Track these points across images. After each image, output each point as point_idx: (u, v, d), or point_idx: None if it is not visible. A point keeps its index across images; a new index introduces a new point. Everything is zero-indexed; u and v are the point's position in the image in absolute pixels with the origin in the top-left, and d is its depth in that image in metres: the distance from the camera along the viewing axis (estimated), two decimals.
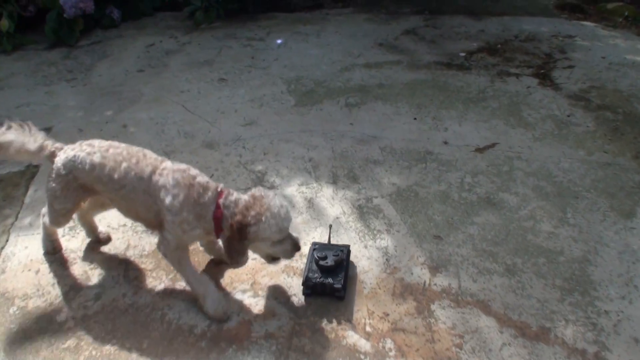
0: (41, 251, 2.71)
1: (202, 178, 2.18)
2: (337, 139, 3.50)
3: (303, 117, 3.75)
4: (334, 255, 2.33)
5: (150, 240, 2.76)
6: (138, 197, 2.22)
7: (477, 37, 4.95)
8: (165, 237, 2.21)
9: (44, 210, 2.55)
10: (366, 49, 4.78)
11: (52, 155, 2.40)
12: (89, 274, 2.60)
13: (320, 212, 2.87)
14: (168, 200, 2.11)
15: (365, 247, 2.64)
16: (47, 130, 3.78)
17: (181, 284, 2.48)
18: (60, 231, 2.84)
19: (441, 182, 3.07)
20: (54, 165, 2.35)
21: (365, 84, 4.17)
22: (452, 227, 2.74)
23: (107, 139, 3.41)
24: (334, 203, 2.93)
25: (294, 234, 2.19)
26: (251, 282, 2.48)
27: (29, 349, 2.23)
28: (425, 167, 3.20)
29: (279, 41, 5.18)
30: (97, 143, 2.36)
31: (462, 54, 4.62)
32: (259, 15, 5.68)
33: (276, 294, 2.41)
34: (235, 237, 2.03)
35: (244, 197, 2.11)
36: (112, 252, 2.72)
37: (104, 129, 3.76)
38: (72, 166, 2.31)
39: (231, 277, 2.52)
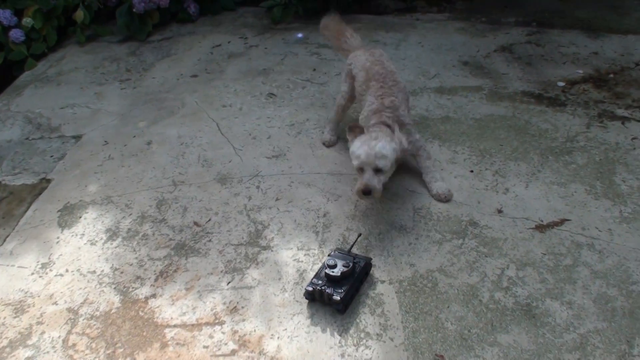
0: (5, 289, 2.49)
1: (387, 113, 2.72)
2: None
3: (338, 154, 3.18)
4: (343, 266, 2.20)
5: (108, 298, 2.39)
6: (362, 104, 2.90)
7: (587, 61, 4.01)
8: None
9: (329, 114, 3.34)
10: (446, 68, 4.05)
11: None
12: (34, 329, 2.30)
13: None
14: (360, 117, 2.90)
15: (342, 355, 2.07)
16: (77, 138, 3.58)
17: None
18: (28, 270, 2.58)
19: (474, 272, 2.38)
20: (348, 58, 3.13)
21: (429, 115, 3.49)
22: (464, 344, 2.08)
23: (126, 157, 3.15)
24: None
25: (372, 181, 2.40)
26: None
27: None
28: (462, 244, 2.52)
29: (299, 35, 4.82)
30: (377, 56, 2.96)
31: (561, 84, 3.74)
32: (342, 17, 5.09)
33: None
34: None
35: (375, 128, 2.54)
36: (67, 305, 2.39)
37: (129, 143, 3.47)
38: (353, 61, 3.03)
39: None
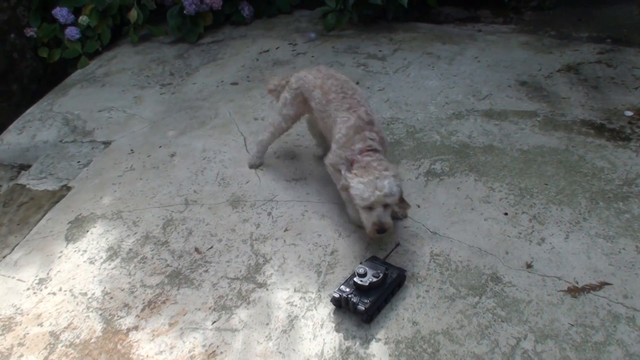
0: None
1: (370, 134, 2.43)
2: None
3: None
4: (373, 276, 2.14)
5: (92, 325, 2.28)
6: (329, 123, 2.60)
7: None
8: (333, 151, 2.54)
9: (262, 136, 3.05)
10: (500, 88, 3.68)
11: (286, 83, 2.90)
12: (14, 351, 2.24)
13: (292, 346, 2.12)
14: (337, 136, 2.48)
15: None
16: (106, 144, 3.53)
17: None
18: (25, 285, 2.52)
19: (484, 339, 2.07)
20: (290, 82, 2.84)
21: (471, 142, 3.16)
22: None
23: (147, 169, 3.06)
24: (318, 334, 2.15)
25: (386, 219, 2.26)
26: None
27: None
28: (477, 303, 2.22)
29: (312, 35, 4.83)
30: (325, 71, 2.73)
31: (629, 113, 3.29)
32: (398, 25, 4.81)
33: None
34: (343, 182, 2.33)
35: (366, 159, 2.32)
36: (51, 327, 2.30)
37: (153, 154, 3.38)
38: (301, 83, 2.75)
39: None
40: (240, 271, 2.48)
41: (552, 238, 2.49)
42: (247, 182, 3.03)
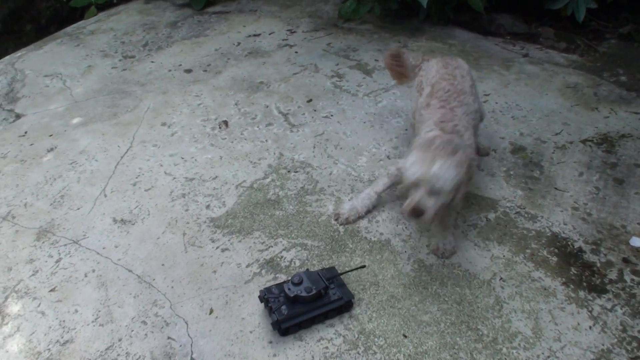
0: None
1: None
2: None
3: (200, 270, 2.24)
4: (305, 289, 1.85)
5: None
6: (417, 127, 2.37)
7: None
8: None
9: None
10: (502, 166, 2.67)
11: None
12: None
13: None
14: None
15: None
16: (17, 117, 3.24)
17: None
18: None
19: None
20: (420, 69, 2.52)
21: (366, 230, 2.30)
22: None
23: (16, 161, 2.68)
24: None
25: (424, 203, 1.84)
26: None
27: None
28: None
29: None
30: (451, 69, 2.37)
31: (637, 243, 2.17)
32: (430, 29, 3.80)
33: None
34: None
35: (432, 133, 2.02)
36: None
37: (37, 142, 2.97)
38: (423, 74, 2.48)
39: None
40: None
41: None
42: (79, 209, 2.49)
